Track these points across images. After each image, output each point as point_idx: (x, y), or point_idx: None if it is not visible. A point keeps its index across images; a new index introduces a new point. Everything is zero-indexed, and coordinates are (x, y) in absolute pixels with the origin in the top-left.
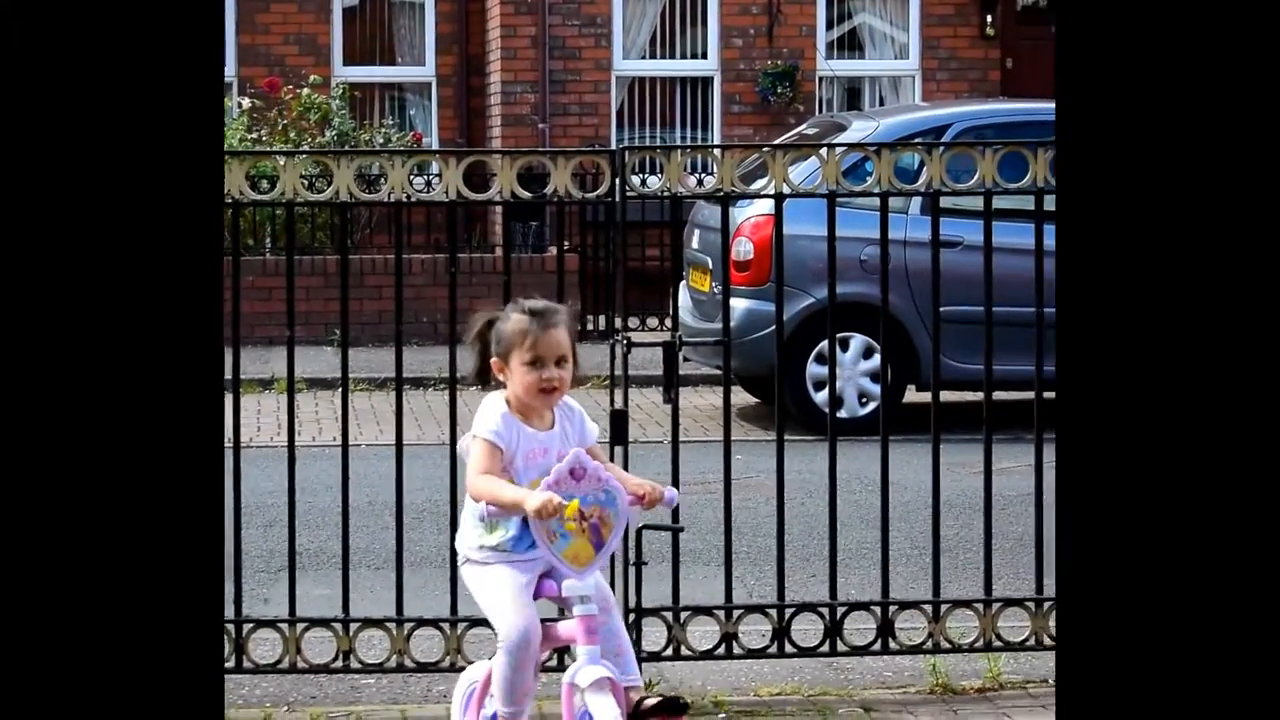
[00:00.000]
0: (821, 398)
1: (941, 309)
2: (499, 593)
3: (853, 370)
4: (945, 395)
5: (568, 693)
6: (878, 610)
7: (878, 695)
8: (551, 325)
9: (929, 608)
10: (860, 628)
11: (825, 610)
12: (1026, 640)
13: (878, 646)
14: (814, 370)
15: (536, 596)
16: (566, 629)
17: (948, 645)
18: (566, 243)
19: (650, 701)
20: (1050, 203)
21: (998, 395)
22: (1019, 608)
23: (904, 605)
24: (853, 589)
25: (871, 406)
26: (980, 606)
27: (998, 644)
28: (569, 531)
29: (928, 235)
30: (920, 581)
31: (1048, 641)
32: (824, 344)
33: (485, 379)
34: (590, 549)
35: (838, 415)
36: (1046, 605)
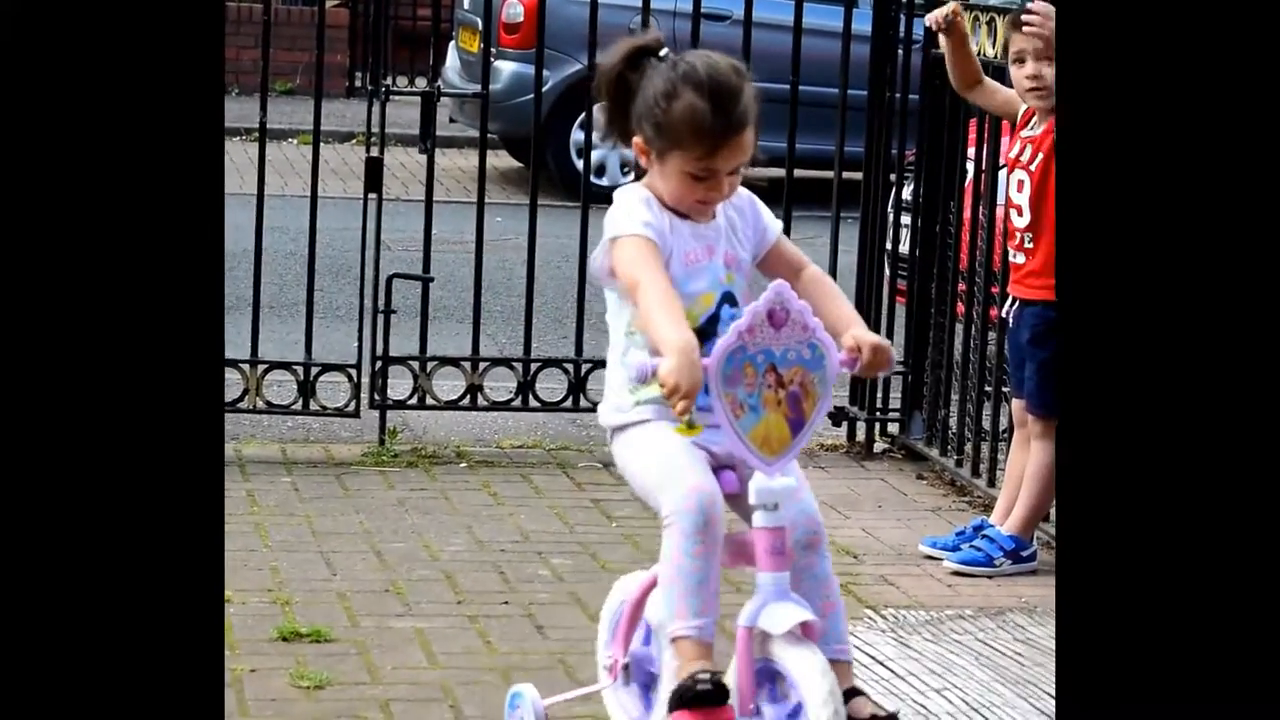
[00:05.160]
0: (583, 164)
1: None
2: (659, 453)
3: None
4: None
5: (745, 638)
6: None
7: None
8: (740, 125)
9: None
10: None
11: (570, 366)
12: None
13: None
14: (578, 136)
15: None
16: (747, 543)
17: None
18: None
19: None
20: None
21: (759, 171)
22: None
23: None
24: (605, 350)
25: (633, 175)
26: None
27: None
28: (761, 402)
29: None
30: None
31: None
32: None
33: (626, 138)
34: (785, 429)
35: (601, 183)
36: None
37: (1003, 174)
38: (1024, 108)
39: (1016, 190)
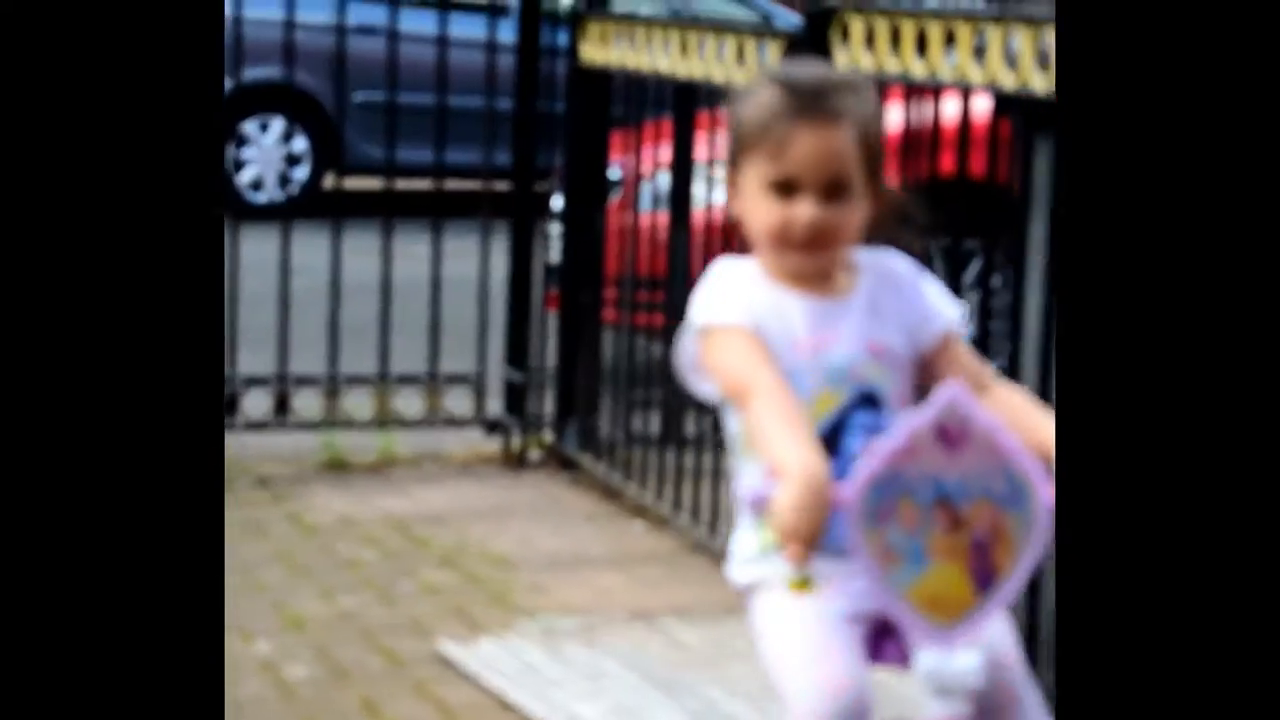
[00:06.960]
0: (240, 180)
1: (359, 95)
2: (789, 627)
3: (273, 153)
4: (360, 181)
5: None
6: (275, 386)
7: (274, 469)
8: (826, 116)
9: (326, 384)
10: (259, 405)
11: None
12: (419, 418)
13: (275, 422)
14: (233, 153)
15: (874, 658)
16: None
17: (343, 421)
18: None
19: None
20: None
21: (406, 183)
22: (413, 385)
23: (301, 381)
24: (259, 367)
25: (294, 189)
26: (376, 384)
27: (392, 420)
28: (927, 549)
29: (349, 21)
30: (322, 363)
31: (440, 419)
32: (241, 125)
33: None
34: (965, 586)
35: (258, 199)
36: (442, 382)
37: (646, 184)
38: None
39: None
